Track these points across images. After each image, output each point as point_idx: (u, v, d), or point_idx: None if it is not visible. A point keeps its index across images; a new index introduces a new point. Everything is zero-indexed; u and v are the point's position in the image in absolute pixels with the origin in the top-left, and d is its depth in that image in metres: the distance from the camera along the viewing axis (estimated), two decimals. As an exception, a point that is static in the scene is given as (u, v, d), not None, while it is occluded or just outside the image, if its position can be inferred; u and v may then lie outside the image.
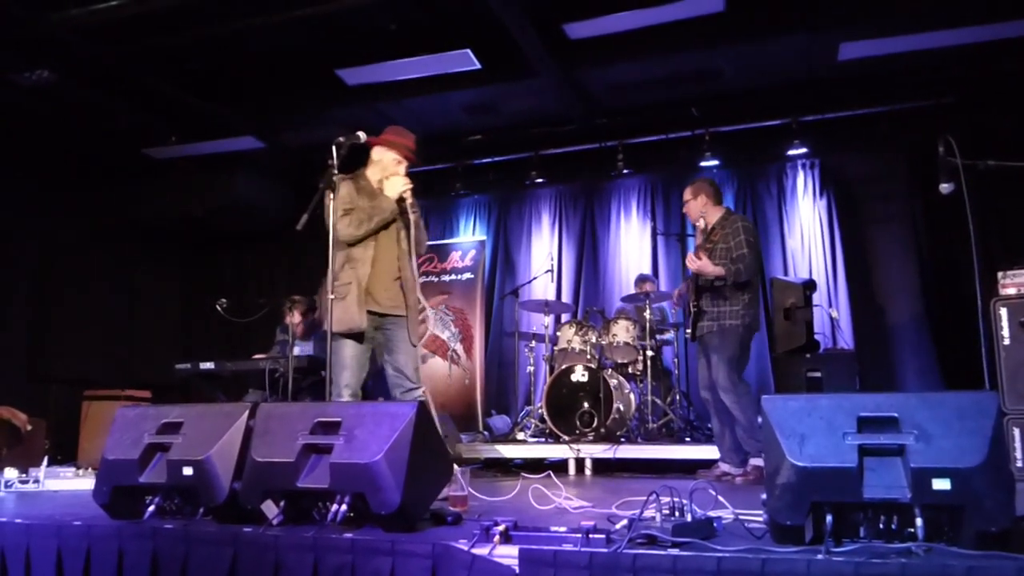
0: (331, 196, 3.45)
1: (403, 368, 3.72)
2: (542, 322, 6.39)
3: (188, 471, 2.56)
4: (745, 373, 6.50)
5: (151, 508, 2.61)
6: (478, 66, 5.96)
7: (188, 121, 6.83)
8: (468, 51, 5.76)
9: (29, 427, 5.32)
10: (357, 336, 3.62)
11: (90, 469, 4.58)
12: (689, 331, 4.62)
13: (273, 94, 6.53)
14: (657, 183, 7.59)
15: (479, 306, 7.60)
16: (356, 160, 3.81)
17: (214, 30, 5.42)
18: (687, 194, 4.67)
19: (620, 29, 5.54)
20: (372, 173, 3.83)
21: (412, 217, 3.77)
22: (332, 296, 3.49)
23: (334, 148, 3.46)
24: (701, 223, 4.55)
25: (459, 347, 7.47)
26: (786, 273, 6.97)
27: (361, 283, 3.61)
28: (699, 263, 4.30)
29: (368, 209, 3.66)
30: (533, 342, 6.51)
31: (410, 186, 3.74)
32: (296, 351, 5.62)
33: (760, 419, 2.16)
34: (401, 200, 3.73)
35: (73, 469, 4.54)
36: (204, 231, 8.28)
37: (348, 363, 3.61)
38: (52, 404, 6.68)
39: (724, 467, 4.42)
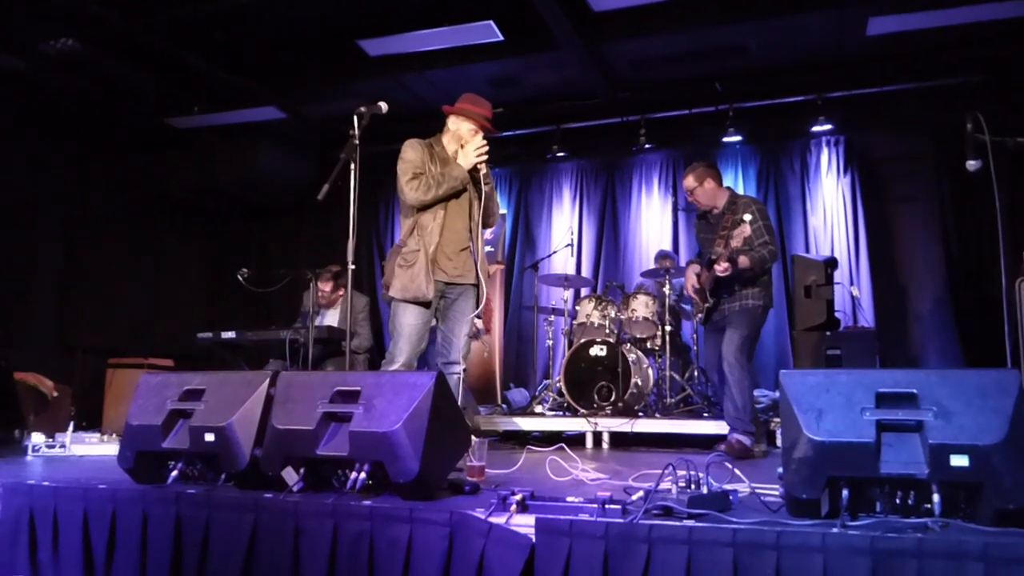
0: (353, 166, 3.44)
1: (453, 339, 3.70)
2: (561, 296, 6.39)
3: (210, 437, 2.59)
4: (764, 349, 6.55)
5: (174, 473, 2.65)
6: (501, 38, 5.90)
7: (211, 91, 6.83)
8: (491, 23, 5.70)
9: (55, 394, 5.42)
10: (422, 303, 3.59)
11: (114, 435, 4.66)
12: (701, 316, 4.61)
13: (295, 64, 6.52)
14: (679, 158, 7.52)
15: (499, 279, 7.60)
16: (378, 131, 3.79)
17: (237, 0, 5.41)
18: (690, 181, 4.53)
19: (645, 2, 5.45)
20: (447, 142, 3.78)
21: (485, 189, 3.72)
22: (399, 263, 3.55)
23: (355, 118, 3.43)
24: (719, 208, 4.50)
25: (478, 320, 7.51)
26: (808, 250, 6.91)
27: (428, 251, 3.58)
28: (727, 266, 4.18)
29: (438, 175, 3.61)
30: (552, 316, 6.51)
31: (485, 157, 3.66)
32: (319, 321, 5.70)
33: (777, 395, 2.15)
34: (474, 170, 3.67)
35: (98, 435, 4.62)
36: (228, 202, 8.32)
37: (407, 331, 3.58)
38: (78, 371, 6.80)
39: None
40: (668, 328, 5.76)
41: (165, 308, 8.16)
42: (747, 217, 4.15)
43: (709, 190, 4.50)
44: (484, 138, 3.72)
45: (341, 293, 5.82)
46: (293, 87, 6.90)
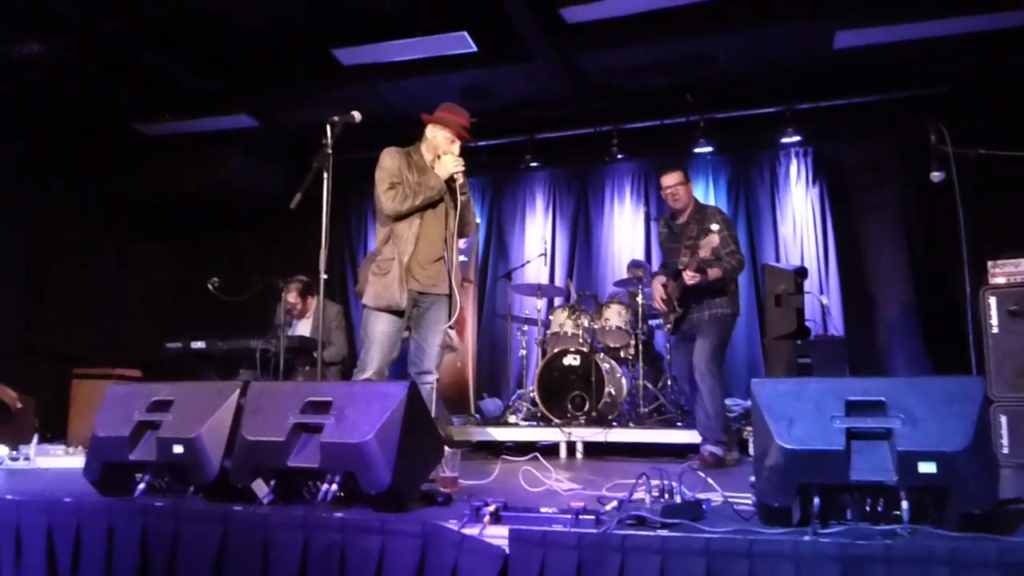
0: (326, 174, 3.42)
1: (426, 348, 3.69)
2: (535, 305, 6.39)
3: (178, 449, 2.56)
4: (736, 358, 6.61)
5: (141, 486, 2.61)
6: (474, 49, 5.91)
7: (181, 97, 6.75)
8: (465, 33, 5.71)
9: (19, 405, 5.29)
10: (395, 312, 3.57)
11: (80, 447, 4.57)
12: (669, 327, 4.65)
13: (268, 72, 6.46)
14: (651, 169, 7.56)
15: (471, 289, 7.58)
16: (352, 139, 3.77)
17: (209, 4, 5.36)
18: (678, 177, 4.56)
19: (617, 14, 5.50)
20: (425, 150, 3.78)
21: (461, 199, 3.72)
22: (374, 272, 3.55)
23: (328, 127, 3.43)
24: (685, 216, 4.55)
25: (452, 330, 7.48)
26: (778, 260, 6.99)
27: (402, 261, 3.57)
28: (695, 275, 4.23)
29: (415, 185, 3.60)
30: (525, 325, 6.51)
31: (462, 167, 3.67)
32: (291, 331, 5.63)
33: (749, 403, 2.17)
34: (451, 180, 3.67)
35: (63, 447, 4.53)
36: (198, 209, 8.22)
37: (379, 339, 3.56)
38: (42, 382, 6.65)
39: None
40: (641, 337, 5.78)
41: (133, 317, 8.02)
42: (714, 227, 4.19)
43: (688, 192, 4.58)
44: (461, 147, 3.72)
45: (311, 303, 5.77)
46: (266, 95, 6.85)
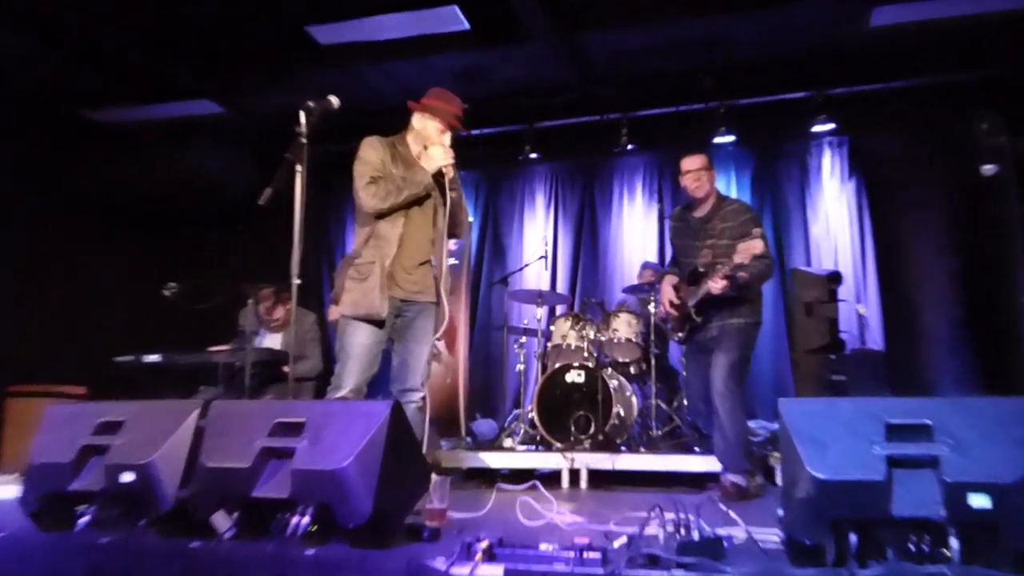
0: (300, 167, 3.41)
1: (411, 362, 3.68)
2: (534, 315, 6.38)
3: (129, 477, 2.54)
4: (761, 374, 6.59)
5: (85, 519, 2.59)
6: (467, 27, 5.91)
7: (135, 80, 6.74)
8: (456, 8, 5.71)
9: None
10: (375, 322, 3.57)
11: (15, 475, 4.54)
12: (681, 335, 4.63)
13: (233, 52, 6.44)
14: (665, 161, 7.59)
15: (464, 296, 7.56)
16: (329, 128, 3.76)
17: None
18: (701, 160, 4.52)
19: (626, -13, 5.52)
20: (412, 141, 3.79)
21: (452, 195, 3.71)
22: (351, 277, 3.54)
23: (303, 114, 3.43)
24: (704, 209, 4.52)
25: (440, 342, 7.47)
26: (809, 264, 6.99)
27: (384, 265, 3.56)
28: (724, 284, 4.18)
29: (399, 180, 3.60)
30: (524, 337, 6.48)
31: (452, 160, 3.67)
32: (259, 342, 5.61)
33: (775, 426, 2.15)
34: (440, 175, 3.67)
35: (-4, 475, 4.50)
36: (155, 206, 8.21)
37: (357, 352, 3.55)
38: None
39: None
40: (654, 351, 5.76)
41: (78, 327, 7.97)
42: (757, 231, 4.10)
43: (712, 180, 4.54)
44: (453, 137, 3.72)
45: (284, 312, 5.76)
46: (231, 78, 6.83)
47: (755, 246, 4.04)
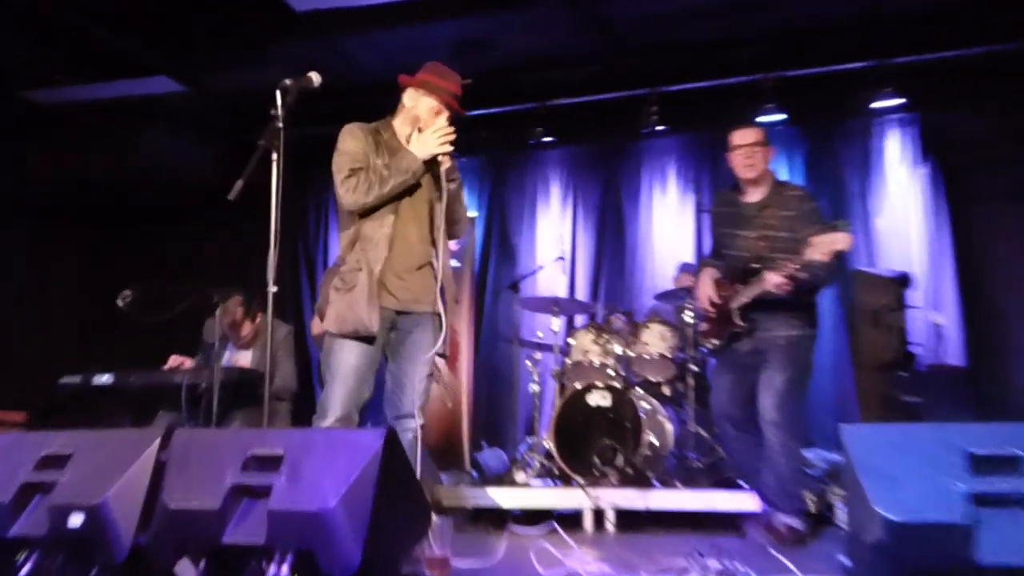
0: (275, 156, 3.42)
1: (407, 384, 3.68)
2: (550, 326, 6.36)
3: (77, 520, 2.54)
4: (818, 395, 6.56)
5: (26, 568, 2.59)
6: (466, -12, 5.94)
7: (81, 54, 6.75)
8: (453, -34, 5.74)
9: None
10: (365, 338, 3.57)
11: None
12: (716, 342, 4.58)
13: (195, 21, 6.46)
14: (702, 144, 7.58)
15: (467, 305, 7.58)
16: (309, 110, 3.78)
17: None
18: (756, 134, 4.47)
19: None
20: (401, 125, 3.78)
21: (450, 186, 3.69)
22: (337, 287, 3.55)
23: (279, 94, 3.43)
24: (757, 194, 4.49)
25: (440, 359, 7.46)
26: (873, 264, 6.95)
27: (373, 270, 3.56)
28: (785, 282, 4.07)
29: (382, 170, 3.60)
30: (538, 352, 6.48)
31: (448, 145, 3.62)
32: (228, 359, 5.62)
33: (837, 457, 2.15)
34: (435, 163, 3.65)
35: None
36: (106, 201, 8.24)
37: (345, 374, 3.55)
38: None
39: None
40: (692, 368, 5.75)
41: (15, 343, 8.01)
42: (840, 222, 3.99)
43: (767, 158, 4.47)
44: (451, 120, 3.70)
45: (256, 325, 5.78)
46: (192, 51, 6.85)
47: (838, 240, 3.91)
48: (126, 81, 7.12)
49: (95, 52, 6.71)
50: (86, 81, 7.09)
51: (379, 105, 3.95)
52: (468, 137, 7.56)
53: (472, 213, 7.97)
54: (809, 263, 4.00)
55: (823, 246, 3.92)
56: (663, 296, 6.40)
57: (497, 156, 8.15)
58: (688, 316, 5.81)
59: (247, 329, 5.78)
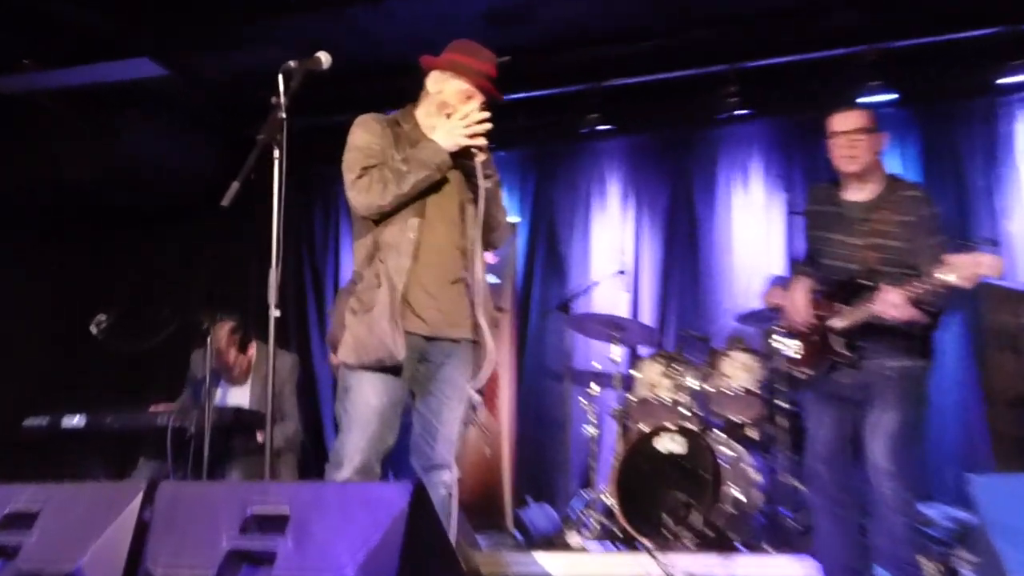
0: (277, 152, 3.43)
1: (440, 428, 3.65)
2: (608, 355, 6.35)
3: (47, 591, 2.56)
4: (937, 438, 6.47)
5: (-12, 649, 2.62)
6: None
7: (51, 35, 6.86)
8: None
9: None
10: (389, 370, 3.54)
11: None
12: (808, 372, 4.51)
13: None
14: (794, 130, 7.54)
15: (508, 329, 7.57)
16: (317, 96, 3.79)
17: None
18: (859, 119, 4.38)
19: None
20: (425, 113, 3.77)
21: (485, 184, 3.65)
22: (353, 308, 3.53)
23: (281, 78, 3.45)
24: (864, 191, 4.44)
25: (478, 396, 7.47)
26: (1006, 276, 6.86)
27: (395, 285, 3.51)
28: (913, 314, 3.97)
29: (399, 165, 3.56)
30: (594, 387, 6.47)
31: (481, 135, 3.59)
32: (221, 397, 5.67)
33: (965, 515, 2.13)
34: (465, 155, 3.63)
35: None
36: (78, 207, 8.33)
37: (364, 416, 3.52)
38: None
39: None
40: (784, 406, 5.70)
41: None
42: (984, 241, 3.94)
43: (875, 148, 4.39)
44: (485, 106, 3.69)
45: (251, 357, 5.82)
46: (178, 29, 6.92)
47: (984, 263, 3.75)
48: (102, 65, 7.18)
49: (65, 32, 6.80)
50: (55, 66, 7.18)
51: (399, 91, 3.97)
52: (506, 126, 7.63)
53: (513, 218, 7.97)
54: (943, 287, 3.85)
55: (965, 268, 3.76)
56: (747, 317, 6.39)
57: (542, 149, 8.18)
58: (779, 341, 5.76)
59: (240, 360, 5.83)
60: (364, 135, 3.66)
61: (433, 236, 3.64)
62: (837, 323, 4.32)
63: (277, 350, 3.60)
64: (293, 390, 5.83)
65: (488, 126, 3.61)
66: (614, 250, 7.41)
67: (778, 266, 7.27)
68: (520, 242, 8.02)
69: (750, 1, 6.64)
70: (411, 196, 3.57)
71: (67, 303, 8.60)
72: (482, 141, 3.62)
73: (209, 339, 5.45)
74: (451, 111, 3.67)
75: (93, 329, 5.13)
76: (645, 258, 7.88)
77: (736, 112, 7.19)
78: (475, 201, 3.69)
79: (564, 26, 6.92)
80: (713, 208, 7.77)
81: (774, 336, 5.66)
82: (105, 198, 8.18)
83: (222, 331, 5.71)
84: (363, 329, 3.52)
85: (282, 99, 3.45)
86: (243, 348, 5.83)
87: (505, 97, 3.83)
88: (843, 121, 4.39)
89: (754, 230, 7.62)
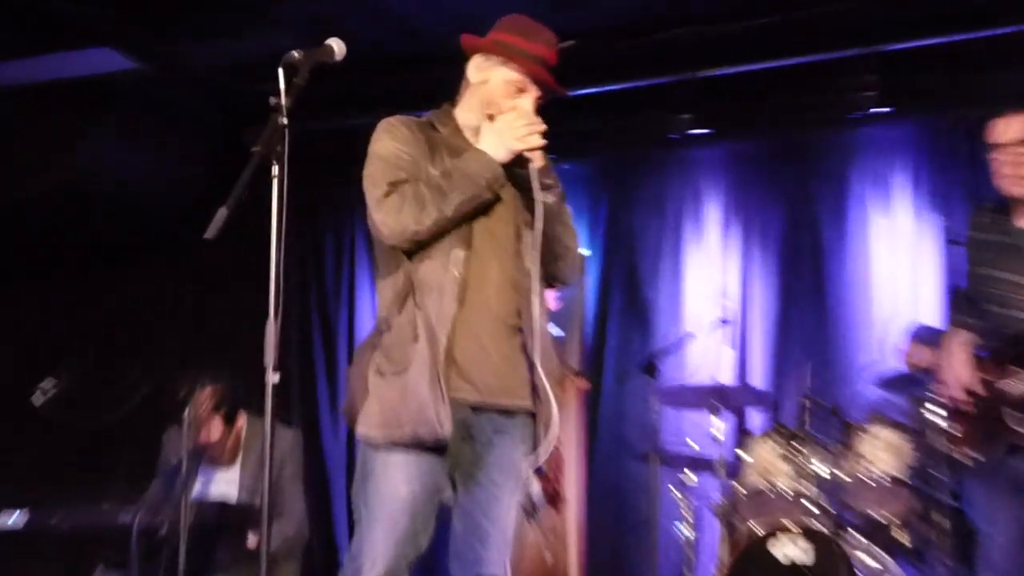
0: (276, 171, 3.37)
1: (488, 527, 3.61)
2: (709, 430, 6.28)
3: None
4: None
5: None
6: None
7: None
8: None
9: None
10: (427, 448, 3.49)
11: None
12: (972, 453, 4.52)
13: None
14: (950, 135, 7.43)
15: (574, 395, 7.50)
16: (326, 95, 3.74)
17: None
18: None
19: None
20: (466, 112, 3.78)
21: (545, 197, 3.60)
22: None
23: (282, 72, 3.38)
24: None
25: (534, 485, 7.39)
26: None
27: (438, 338, 3.46)
28: None
29: (438, 179, 3.53)
30: (689, 473, 6.39)
31: (540, 138, 3.55)
32: (203, 487, 5.64)
33: None
34: (521, 163, 3.59)
35: None
36: (26, 235, 8.42)
37: (392, 507, 3.47)
38: None
39: None
40: (941, 497, 5.58)
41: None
42: None
43: None
44: (541, 102, 3.69)
45: (239, 433, 5.82)
46: (154, 14, 6.99)
47: None
48: (55, 56, 7.28)
49: (22, 17, 6.87)
50: (9, 57, 7.27)
51: (435, 87, 3.96)
52: (571, 130, 7.65)
53: (583, 251, 7.91)
54: None
55: None
56: (892, 382, 6.36)
57: (618, 160, 8.22)
58: (935, 412, 5.65)
59: (226, 437, 5.80)
60: (391, 142, 3.62)
61: (484, 272, 3.60)
62: (1012, 387, 4.24)
63: (275, 424, 3.54)
64: (295, 476, 5.85)
65: (544, 127, 3.59)
66: (714, 293, 7.36)
67: (930, 313, 7.18)
68: (590, 282, 8.04)
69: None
70: (455, 221, 3.53)
71: (3, 364, 8.66)
72: (540, 143, 3.58)
73: (187, 411, 5.44)
74: (498, 109, 3.65)
75: (37, 399, 5.13)
76: (755, 303, 7.84)
77: (874, 110, 7.18)
78: (533, 224, 3.62)
79: (640, 7, 6.92)
80: (843, 235, 7.72)
81: (927, 406, 5.58)
82: (56, 223, 8.24)
83: (204, 400, 5.70)
84: (394, 394, 3.47)
85: (283, 99, 3.37)
86: (230, 421, 5.79)
87: (568, 92, 3.79)
88: (1009, 128, 4.35)
89: (898, 264, 7.56)
